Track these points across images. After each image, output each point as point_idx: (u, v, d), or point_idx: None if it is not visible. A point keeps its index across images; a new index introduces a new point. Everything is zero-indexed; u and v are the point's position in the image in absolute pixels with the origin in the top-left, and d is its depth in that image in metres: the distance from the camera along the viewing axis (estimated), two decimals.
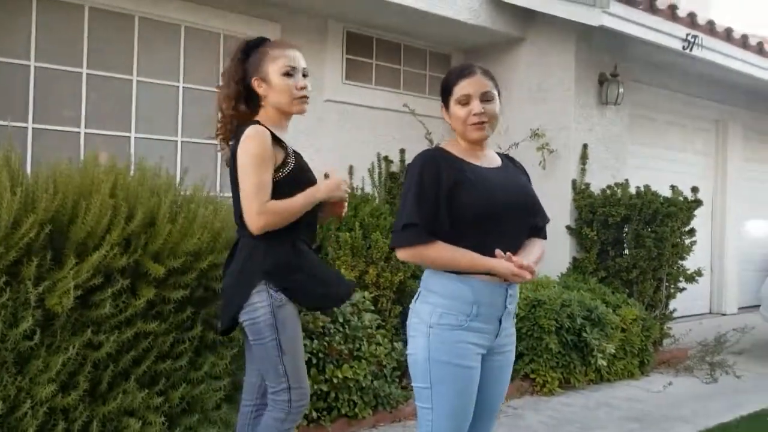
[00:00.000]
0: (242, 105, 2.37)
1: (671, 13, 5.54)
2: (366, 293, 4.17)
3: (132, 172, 2.72)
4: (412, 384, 2.13)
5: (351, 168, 5.79)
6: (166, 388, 2.50)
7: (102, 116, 4.55)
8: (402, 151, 6.05)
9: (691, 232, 5.76)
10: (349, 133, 5.82)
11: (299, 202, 2.26)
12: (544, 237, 2.29)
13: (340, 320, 3.82)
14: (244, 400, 2.41)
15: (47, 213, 2.25)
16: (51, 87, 4.36)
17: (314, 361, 3.59)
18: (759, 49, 6.56)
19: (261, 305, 2.19)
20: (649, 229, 5.54)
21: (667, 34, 5.56)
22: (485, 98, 2.14)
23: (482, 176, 2.12)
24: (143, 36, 4.72)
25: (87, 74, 4.48)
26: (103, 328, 2.37)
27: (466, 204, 2.05)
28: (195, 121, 4.96)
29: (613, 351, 4.85)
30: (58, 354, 2.28)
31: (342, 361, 3.70)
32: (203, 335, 2.56)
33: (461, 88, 2.14)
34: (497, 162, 2.25)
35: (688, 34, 5.68)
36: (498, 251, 2.01)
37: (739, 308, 8.23)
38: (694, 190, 5.82)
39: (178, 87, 4.88)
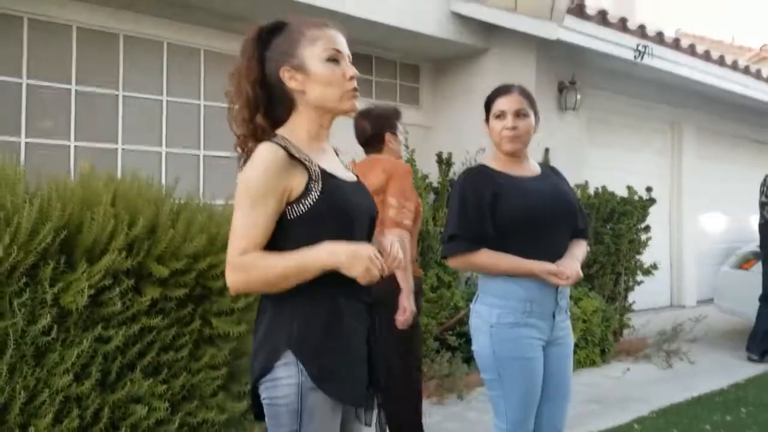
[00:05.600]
0: (261, 117, 1.67)
1: (622, 25, 5.94)
2: None
3: (126, 183, 2.98)
4: (482, 376, 2.42)
5: None
6: (168, 378, 2.75)
7: (90, 129, 4.78)
8: None
9: (647, 228, 6.16)
10: None
11: (285, 266, 1.54)
12: (586, 237, 2.57)
13: None
14: None
15: (61, 221, 2.51)
16: (42, 103, 4.59)
17: None
18: (706, 57, 7.01)
19: (286, 382, 1.56)
20: (608, 227, 5.92)
21: (619, 45, 5.96)
22: (519, 114, 2.41)
23: (520, 186, 2.39)
24: (127, 53, 4.96)
25: (75, 90, 4.71)
26: (111, 323, 2.63)
27: (506, 212, 2.32)
28: (178, 132, 5.21)
29: (576, 341, 5.21)
30: (72, 348, 2.53)
31: None
32: (201, 329, 2.83)
33: (498, 105, 2.43)
34: (536, 171, 2.50)
35: (638, 45, 6.08)
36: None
37: (698, 301, 8.65)
38: (649, 189, 6.23)
39: (161, 101, 5.13)
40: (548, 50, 6.21)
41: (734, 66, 7.47)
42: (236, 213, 1.57)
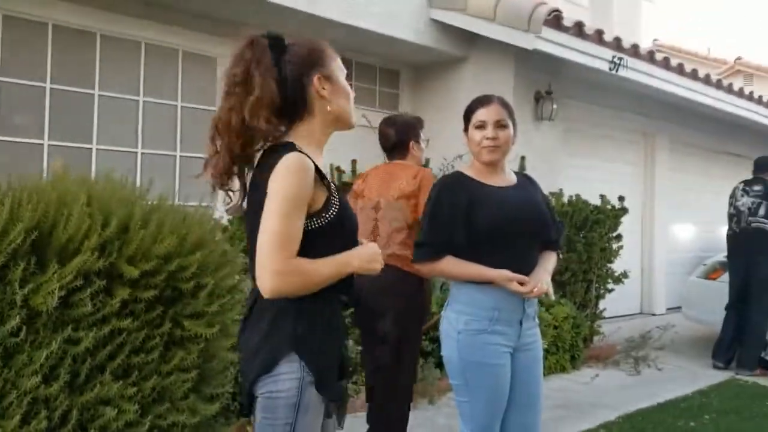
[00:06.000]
0: (275, 118, 1.72)
1: (598, 37, 6.04)
2: None
3: (100, 183, 2.97)
4: (450, 381, 2.46)
5: None
6: (138, 380, 2.75)
7: (64, 129, 4.75)
8: (354, 162, 6.38)
9: (618, 237, 6.26)
10: None
11: (328, 271, 1.68)
12: (557, 248, 2.62)
13: None
14: None
15: (32, 222, 2.51)
16: (16, 101, 4.55)
17: None
18: (680, 70, 7.15)
19: (288, 377, 1.67)
20: (580, 235, 6.01)
21: (595, 57, 6.06)
22: (499, 125, 2.44)
23: (496, 196, 2.43)
24: (104, 52, 4.94)
25: (51, 88, 4.68)
26: (81, 325, 2.61)
27: (479, 222, 2.36)
28: (154, 133, 5.19)
29: (546, 347, 5.27)
30: (41, 349, 2.52)
31: None
32: (172, 332, 2.82)
33: (479, 115, 2.46)
34: (513, 181, 2.54)
35: (614, 56, 6.19)
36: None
37: (667, 309, 8.80)
38: (621, 198, 6.33)
39: (138, 101, 5.11)
40: (526, 60, 6.29)
41: (707, 80, 7.63)
42: (275, 220, 1.61)
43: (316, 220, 1.69)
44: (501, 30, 5.80)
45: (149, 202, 3.11)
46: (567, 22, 5.77)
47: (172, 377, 2.83)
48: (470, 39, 6.40)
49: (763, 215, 5.94)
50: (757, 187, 6.08)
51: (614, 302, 6.84)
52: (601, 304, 6.42)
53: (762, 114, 8.84)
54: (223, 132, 1.72)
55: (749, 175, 6.32)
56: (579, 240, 5.96)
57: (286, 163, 1.63)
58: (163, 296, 2.85)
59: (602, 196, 6.30)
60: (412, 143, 3.40)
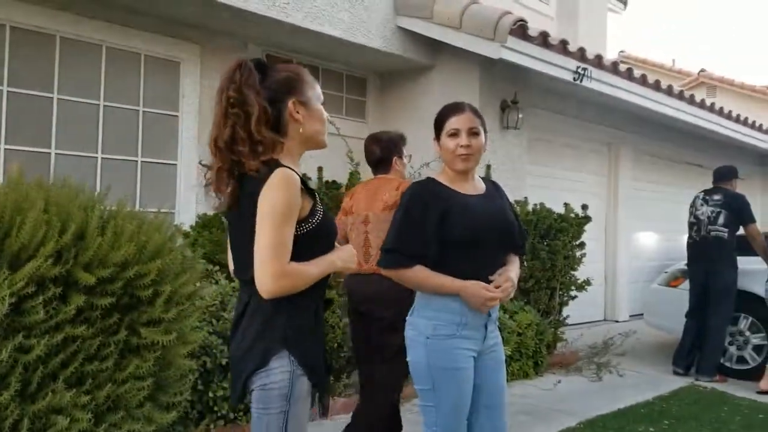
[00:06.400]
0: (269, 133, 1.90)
1: (563, 47, 6.13)
2: None
3: (57, 188, 2.91)
4: (415, 386, 2.46)
5: None
6: (92, 388, 2.69)
7: (22, 133, 4.65)
8: (320, 169, 6.36)
9: (582, 245, 6.34)
10: None
11: (317, 271, 1.91)
12: (522, 253, 2.67)
13: None
14: None
15: None
16: None
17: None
18: (643, 81, 7.29)
19: (280, 371, 1.87)
20: (544, 243, 6.07)
21: (559, 67, 6.15)
22: (471, 132, 2.45)
23: (466, 204, 2.44)
24: (64, 55, 4.85)
25: (8, 91, 4.57)
26: (33, 332, 2.56)
27: (450, 230, 2.37)
28: (115, 138, 5.11)
29: (509, 353, 5.31)
30: None
31: None
32: (128, 339, 2.78)
33: (451, 123, 2.46)
34: (482, 188, 2.56)
35: (578, 67, 6.29)
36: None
37: (630, 315, 8.94)
38: (584, 207, 6.42)
39: (98, 105, 5.03)
40: (492, 69, 6.35)
41: (669, 90, 7.80)
42: (271, 231, 1.81)
43: (304, 226, 1.89)
44: (467, 39, 5.85)
45: (107, 208, 3.06)
46: (532, 32, 5.85)
47: (127, 385, 2.78)
48: (437, 47, 6.44)
49: (722, 224, 6.07)
50: (716, 197, 6.22)
51: (578, 309, 6.93)
52: (565, 311, 6.49)
53: (723, 125, 9.07)
54: (225, 147, 1.88)
55: (710, 185, 6.46)
56: (543, 248, 6.02)
57: (278, 179, 1.82)
58: (120, 303, 2.80)
59: (566, 205, 6.38)
60: (395, 159, 3.66)
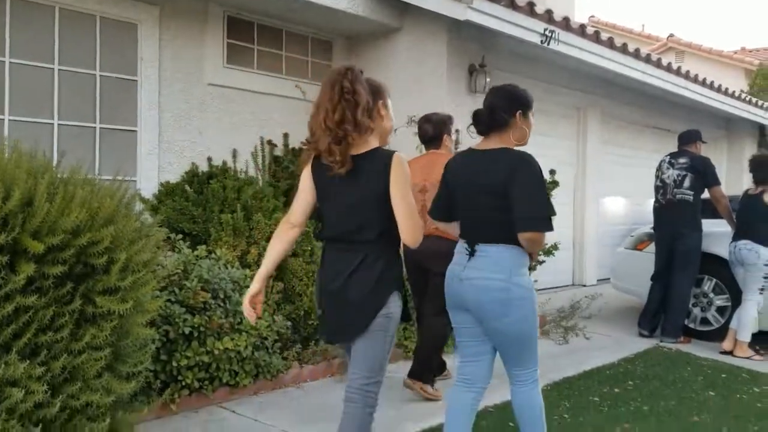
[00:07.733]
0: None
1: (530, 9, 6.05)
2: (248, 271, 4.39)
3: (7, 155, 2.79)
4: (530, 336, 2.83)
5: (235, 151, 5.93)
6: (47, 359, 2.62)
7: None
8: (285, 135, 6.26)
9: None
10: (231, 116, 5.95)
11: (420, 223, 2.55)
12: None
13: (221, 296, 4.03)
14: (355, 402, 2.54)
15: None
16: None
17: (195, 334, 3.78)
18: (610, 44, 7.26)
19: (396, 305, 2.53)
20: None
21: (526, 29, 6.07)
22: None
23: None
24: (15, 17, 4.65)
25: None
26: None
27: None
28: (71, 104, 4.94)
29: None
30: None
31: (223, 333, 3.91)
32: (83, 309, 2.70)
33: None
34: None
35: (545, 29, 6.21)
36: None
37: (598, 280, 9.02)
38: (552, 172, 6.41)
39: (53, 69, 4.85)
40: (459, 32, 6.26)
41: (636, 54, 7.77)
42: (409, 197, 2.46)
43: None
44: (433, 0, 5.74)
45: (59, 175, 2.95)
46: None
47: (83, 356, 2.71)
48: (403, 9, 6.32)
49: (687, 187, 6.12)
50: (682, 160, 6.26)
51: (546, 274, 6.96)
52: (533, 276, 6.49)
53: (690, 89, 9.10)
54: (335, 125, 2.41)
55: (676, 149, 6.49)
56: None
57: (401, 158, 2.48)
58: (74, 272, 2.72)
59: None
60: (445, 136, 4.36)
